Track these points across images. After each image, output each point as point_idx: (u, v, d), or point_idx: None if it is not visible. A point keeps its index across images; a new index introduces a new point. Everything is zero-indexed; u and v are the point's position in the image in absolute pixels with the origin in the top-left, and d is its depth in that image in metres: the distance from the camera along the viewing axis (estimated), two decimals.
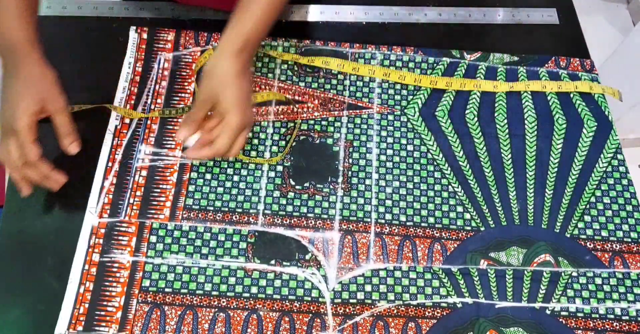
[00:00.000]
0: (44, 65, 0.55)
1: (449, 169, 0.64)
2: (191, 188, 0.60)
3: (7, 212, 0.59)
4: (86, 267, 0.56)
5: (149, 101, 0.65)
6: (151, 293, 0.55)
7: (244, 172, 0.62)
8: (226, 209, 0.60)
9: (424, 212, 0.62)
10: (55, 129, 0.55)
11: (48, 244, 0.57)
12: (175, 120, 0.64)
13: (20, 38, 0.53)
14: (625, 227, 0.62)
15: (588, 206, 0.63)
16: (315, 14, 0.74)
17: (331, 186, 0.62)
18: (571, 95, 0.70)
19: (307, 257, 0.58)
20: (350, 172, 0.63)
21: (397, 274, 0.58)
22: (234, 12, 0.57)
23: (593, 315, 0.57)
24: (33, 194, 0.56)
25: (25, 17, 0.54)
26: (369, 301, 0.57)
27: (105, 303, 0.54)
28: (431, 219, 0.61)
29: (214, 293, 0.56)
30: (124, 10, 0.72)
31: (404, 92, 0.69)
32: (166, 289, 0.55)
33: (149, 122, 0.64)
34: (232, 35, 0.55)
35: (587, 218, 0.63)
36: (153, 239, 0.58)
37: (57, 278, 0.56)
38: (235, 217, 0.60)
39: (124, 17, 0.71)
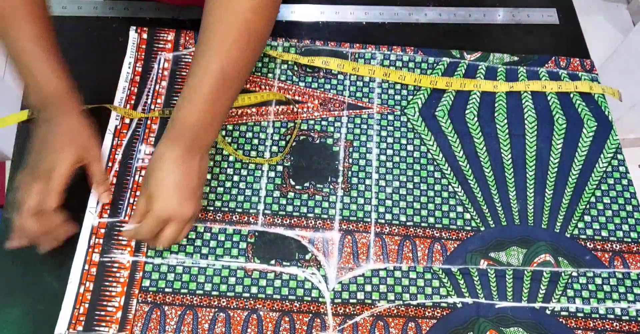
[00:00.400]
0: (83, 117, 0.55)
1: (449, 169, 0.64)
2: None
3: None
4: (86, 267, 0.56)
5: (149, 101, 0.65)
6: (151, 292, 0.55)
7: (244, 172, 0.62)
8: (226, 209, 0.60)
9: (424, 212, 0.62)
10: (91, 177, 0.56)
11: None
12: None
13: (59, 88, 0.53)
14: (625, 227, 0.62)
15: (588, 206, 0.63)
16: (315, 14, 0.74)
17: (331, 186, 0.62)
18: (571, 95, 0.70)
19: (307, 257, 0.58)
20: (350, 172, 0.63)
21: (397, 274, 0.58)
22: (183, 89, 0.51)
23: (593, 315, 0.57)
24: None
25: (59, 66, 0.54)
26: (369, 301, 0.57)
27: (105, 303, 0.54)
28: (431, 219, 0.61)
29: (214, 292, 0.56)
30: (124, 11, 0.72)
31: (404, 92, 0.69)
32: (166, 289, 0.55)
33: (149, 122, 0.64)
34: (172, 119, 0.51)
35: (587, 218, 0.63)
36: None
37: (57, 278, 0.56)
38: (235, 217, 0.60)
39: (124, 17, 0.71)
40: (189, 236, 0.58)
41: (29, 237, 0.52)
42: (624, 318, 0.58)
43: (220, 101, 0.51)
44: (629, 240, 0.62)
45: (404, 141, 0.65)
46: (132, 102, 0.65)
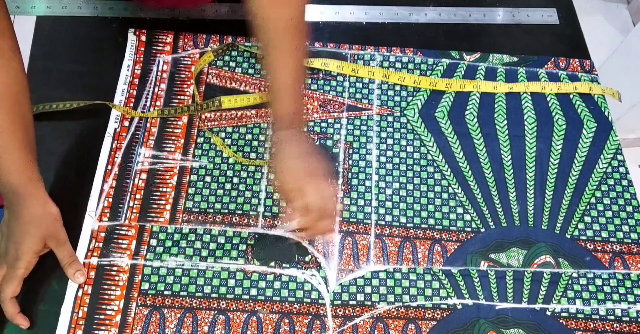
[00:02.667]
0: (46, 203, 0.55)
1: (449, 170, 0.64)
2: (191, 191, 0.60)
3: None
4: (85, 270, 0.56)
5: (148, 104, 0.65)
6: (150, 296, 0.55)
7: (243, 174, 0.62)
8: (226, 211, 0.60)
9: (424, 214, 0.61)
10: (59, 261, 0.55)
11: None
12: (174, 123, 0.64)
13: (22, 180, 0.53)
14: (625, 228, 0.62)
15: (588, 207, 0.63)
16: (315, 14, 0.74)
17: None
18: (570, 96, 0.70)
19: (307, 259, 0.58)
20: (350, 174, 0.63)
21: (397, 275, 0.58)
22: (267, 84, 0.55)
23: (593, 316, 0.57)
24: None
25: (25, 156, 0.53)
26: (369, 303, 0.56)
27: (104, 306, 0.54)
28: (431, 221, 0.61)
29: (214, 295, 0.56)
30: (123, 11, 0.72)
31: (404, 93, 0.68)
32: (165, 292, 0.55)
33: (148, 125, 0.64)
34: (278, 118, 0.54)
35: (587, 219, 0.62)
36: (153, 242, 0.58)
37: (57, 278, 0.55)
38: (235, 219, 0.60)
39: (123, 18, 0.71)
40: (189, 238, 0.58)
41: None
42: (624, 319, 0.57)
43: (300, 83, 0.55)
44: (629, 241, 0.62)
45: (403, 143, 0.65)
46: (131, 104, 0.65)
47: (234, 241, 0.58)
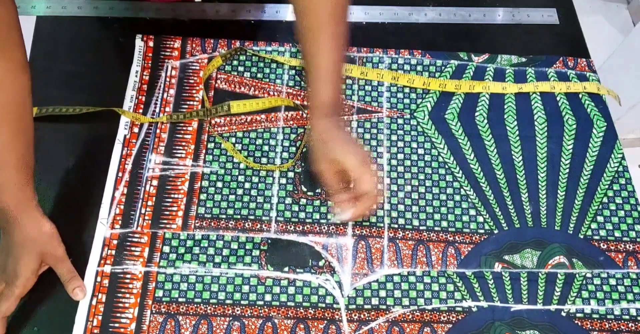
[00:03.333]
0: (39, 222, 0.54)
1: (461, 172, 0.64)
2: (203, 197, 0.60)
3: None
4: (98, 279, 0.55)
5: (157, 110, 0.65)
6: (165, 303, 0.55)
7: (255, 179, 0.62)
8: (238, 216, 0.59)
9: (436, 216, 0.61)
10: (60, 277, 0.55)
11: None
12: (184, 129, 0.64)
13: (15, 199, 0.52)
14: (638, 227, 0.62)
15: (600, 207, 0.63)
16: None
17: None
18: (580, 95, 0.70)
19: (321, 263, 0.58)
20: None
21: (412, 279, 0.58)
22: (308, 69, 0.55)
23: (608, 316, 0.57)
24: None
25: (24, 174, 0.52)
26: (384, 307, 0.56)
27: (118, 314, 0.54)
28: (444, 223, 0.61)
29: (228, 301, 0.55)
30: (124, 11, 0.72)
31: (413, 95, 0.68)
32: (180, 299, 0.55)
33: (158, 131, 0.63)
34: (317, 106, 0.54)
35: (600, 219, 0.62)
36: (166, 249, 0.57)
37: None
38: (248, 224, 0.59)
39: (124, 17, 0.71)
40: (202, 245, 0.58)
41: None
42: (639, 318, 0.57)
43: (341, 70, 0.56)
44: None
45: (414, 145, 0.65)
46: (141, 111, 0.64)
47: (247, 247, 0.58)
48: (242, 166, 0.62)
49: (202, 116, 0.64)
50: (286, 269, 0.57)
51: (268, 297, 0.56)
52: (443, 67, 0.70)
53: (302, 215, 0.60)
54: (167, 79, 0.67)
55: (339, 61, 0.55)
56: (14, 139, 0.51)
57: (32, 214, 0.53)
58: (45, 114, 0.62)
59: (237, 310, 0.55)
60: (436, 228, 0.61)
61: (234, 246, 0.58)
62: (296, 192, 0.61)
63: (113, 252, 0.57)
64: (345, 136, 0.55)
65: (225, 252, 0.58)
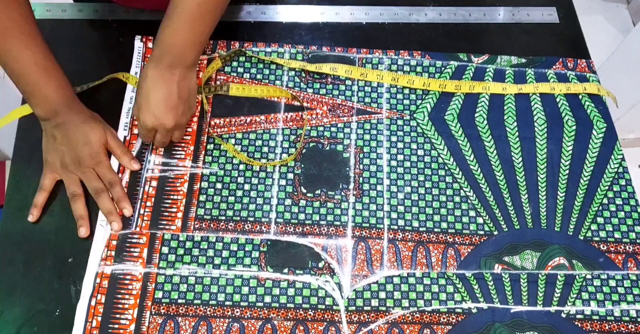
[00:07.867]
0: (87, 109, 0.61)
1: (460, 173, 0.64)
2: (202, 198, 0.60)
3: (7, 212, 0.58)
4: (97, 280, 0.55)
5: None
6: (164, 304, 0.55)
7: (254, 180, 0.62)
8: (238, 218, 0.59)
9: (436, 218, 0.61)
10: (113, 152, 0.60)
11: (48, 243, 0.57)
12: (185, 131, 0.64)
13: (65, 97, 0.59)
14: (637, 228, 0.62)
15: (600, 208, 0.63)
16: (315, 14, 0.74)
17: (343, 193, 0.62)
18: (580, 96, 0.70)
19: (320, 265, 0.58)
20: (361, 179, 0.63)
21: (411, 280, 0.58)
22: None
23: (608, 318, 0.57)
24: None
25: (59, 78, 0.59)
26: (384, 308, 0.56)
27: (118, 315, 0.54)
28: (444, 224, 0.61)
29: (228, 303, 0.55)
30: (124, 13, 0.72)
31: (413, 96, 0.68)
32: (179, 301, 0.55)
33: None
34: (156, 42, 0.58)
35: (600, 220, 0.62)
36: (165, 250, 0.57)
37: (58, 277, 0.55)
38: (247, 226, 0.59)
39: (124, 20, 0.71)
40: (201, 246, 0.58)
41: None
42: (639, 320, 0.57)
43: (198, 24, 0.58)
44: None
45: (414, 146, 0.65)
46: None
47: (246, 248, 0.58)
48: (241, 167, 0.62)
49: (199, 92, 0.65)
50: (286, 270, 0.57)
51: (267, 298, 0.56)
52: (443, 68, 0.70)
53: (301, 216, 0.60)
54: None
55: (196, 13, 0.57)
56: (35, 54, 0.57)
57: (80, 105, 0.61)
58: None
59: (237, 312, 0.55)
60: (436, 229, 0.61)
61: (234, 247, 0.58)
62: (296, 193, 0.61)
63: (113, 253, 0.56)
64: (167, 88, 0.57)
65: (225, 253, 0.58)
